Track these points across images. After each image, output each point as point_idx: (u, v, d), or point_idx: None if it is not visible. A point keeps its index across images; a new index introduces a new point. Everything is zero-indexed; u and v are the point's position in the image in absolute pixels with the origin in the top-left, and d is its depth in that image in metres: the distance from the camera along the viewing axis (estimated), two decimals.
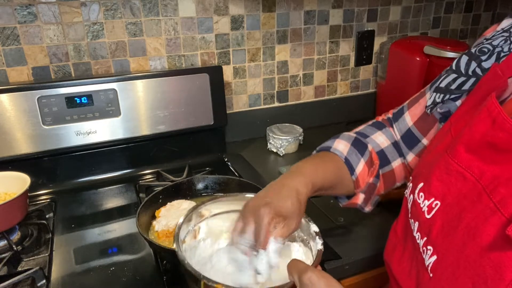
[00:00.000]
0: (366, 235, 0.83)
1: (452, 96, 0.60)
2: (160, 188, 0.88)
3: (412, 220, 0.53)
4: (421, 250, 0.50)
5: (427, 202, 0.50)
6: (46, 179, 1.03)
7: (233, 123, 1.25)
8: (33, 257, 0.78)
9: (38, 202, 0.97)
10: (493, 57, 0.56)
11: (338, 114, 1.45)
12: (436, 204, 0.49)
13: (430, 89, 0.67)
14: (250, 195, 0.64)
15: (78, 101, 0.99)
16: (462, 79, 0.59)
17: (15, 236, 0.83)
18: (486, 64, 0.57)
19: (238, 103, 1.29)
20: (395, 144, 0.73)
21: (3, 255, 0.77)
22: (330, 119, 1.44)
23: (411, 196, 0.54)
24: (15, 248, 0.78)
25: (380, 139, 0.73)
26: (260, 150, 1.25)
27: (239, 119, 1.28)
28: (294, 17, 1.26)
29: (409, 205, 0.55)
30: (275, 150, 1.23)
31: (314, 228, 0.59)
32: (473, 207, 0.43)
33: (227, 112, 1.18)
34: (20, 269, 0.75)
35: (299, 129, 1.26)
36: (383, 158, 0.72)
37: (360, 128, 0.77)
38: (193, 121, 1.12)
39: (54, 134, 0.98)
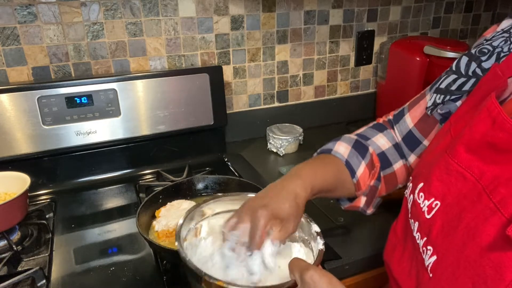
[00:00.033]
0: (366, 235, 0.83)
1: (453, 97, 0.60)
2: (160, 188, 0.88)
3: (412, 220, 0.53)
4: (421, 250, 0.50)
5: (427, 202, 0.50)
6: (46, 179, 1.03)
7: (233, 123, 1.25)
8: (33, 257, 0.78)
9: (38, 202, 0.97)
10: (493, 58, 0.56)
11: (338, 114, 1.45)
12: (436, 204, 0.49)
13: (430, 91, 0.67)
14: (252, 195, 0.64)
15: (78, 101, 0.99)
16: (462, 79, 0.59)
17: (15, 236, 0.83)
18: (486, 65, 0.57)
19: (238, 103, 1.29)
20: (396, 146, 0.73)
21: (3, 255, 0.77)
22: (330, 119, 1.44)
23: (411, 196, 0.54)
24: (15, 248, 0.78)
25: (381, 141, 0.73)
26: (260, 150, 1.25)
27: (239, 119, 1.28)
28: (294, 17, 1.26)
29: (409, 205, 0.55)
30: (275, 150, 1.23)
31: (315, 228, 0.59)
32: (473, 207, 0.44)
33: (227, 112, 1.19)
34: (20, 269, 0.75)
35: (299, 129, 1.26)
36: (384, 160, 0.72)
37: (361, 130, 0.77)
38: (193, 121, 1.12)
39: (54, 134, 0.98)
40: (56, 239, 0.83)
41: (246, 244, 0.54)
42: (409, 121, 0.70)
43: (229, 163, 1.15)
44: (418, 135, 0.69)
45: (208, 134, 1.17)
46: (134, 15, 1.07)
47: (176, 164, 1.12)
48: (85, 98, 0.99)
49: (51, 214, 0.93)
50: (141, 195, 0.99)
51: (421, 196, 0.51)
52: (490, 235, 0.40)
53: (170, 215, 0.80)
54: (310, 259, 0.57)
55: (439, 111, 0.63)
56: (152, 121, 1.07)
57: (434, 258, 0.47)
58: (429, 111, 0.65)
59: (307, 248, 0.60)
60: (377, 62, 1.44)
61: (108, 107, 1.02)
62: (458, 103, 0.60)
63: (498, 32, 0.59)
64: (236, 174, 1.09)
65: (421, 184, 0.52)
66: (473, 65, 0.59)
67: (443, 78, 0.64)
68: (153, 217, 0.83)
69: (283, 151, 1.21)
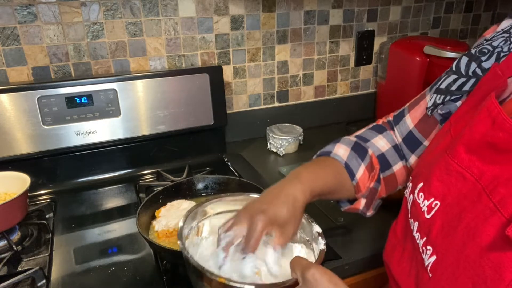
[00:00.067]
0: (366, 235, 0.83)
1: (453, 97, 0.60)
2: (160, 188, 0.88)
3: (412, 220, 0.53)
4: (420, 250, 0.50)
5: (427, 202, 0.50)
6: (46, 179, 1.03)
7: (233, 123, 1.25)
8: (33, 257, 0.78)
9: (38, 202, 0.97)
10: (493, 58, 0.56)
11: (338, 114, 1.45)
12: (436, 204, 0.49)
13: (431, 91, 0.67)
14: (255, 195, 0.64)
15: (78, 101, 0.99)
16: (462, 80, 0.59)
17: (15, 236, 0.83)
18: (486, 65, 0.57)
19: (238, 103, 1.29)
20: (396, 147, 0.73)
21: (3, 255, 0.77)
22: (330, 119, 1.44)
23: (411, 196, 0.54)
24: (15, 248, 0.78)
25: (380, 143, 0.73)
26: (260, 150, 1.25)
27: (239, 119, 1.28)
28: (294, 17, 1.26)
29: (409, 205, 0.55)
30: (275, 150, 1.23)
31: (316, 228, 0.59)
32: (473, 207, 0.44)
33: (227, 112, 1.19)
34: (20, 269, 0.75)
35: (299, 129, 1.26)
36: (383, 162, 0.72)
37: (360, 131, 0.77)
38: (193, 121, 1.12)
39: (54, 134, 0.98)
40: (56, 239, 0.83)
41: (240, 247, 0.54)
42: (410, 122, 0.70)
43: (229, 163, 1.15)
44: (419, 136, 0.69)
45: (208, 134, 1.17)
46: (134, 15, 1.07)
47: (176, 164, 1.12)
48: (85, 98, 0.99)
49: (51, 214, 0.93)
50: (141, 195, 0.99)
51: (421, 196, 0.51)
52: (489, 235, 0.40)
53: (170, 215, 0.80)
54: (311, 260, 0.57)
55: (439, 111, 0.63)
56: (152, 121, 1.07)
57: (433, 258, 0.47)
58: (429, 112, 0.65)
59: (308, 249, 0.60)
60: (377, 62, 1.44)
61: (108, 107, 1.02)
62: (458, 103, 0.60)
63: (498, 32, 0.59)
64: (236, 174, 1.09)
65: (421, 184, 0.52)
66: (473, 65, 0.59)
67: (443, 78, 0.64)
68: (153, 217, 0.83)
69: (283, 151, 1.21)
